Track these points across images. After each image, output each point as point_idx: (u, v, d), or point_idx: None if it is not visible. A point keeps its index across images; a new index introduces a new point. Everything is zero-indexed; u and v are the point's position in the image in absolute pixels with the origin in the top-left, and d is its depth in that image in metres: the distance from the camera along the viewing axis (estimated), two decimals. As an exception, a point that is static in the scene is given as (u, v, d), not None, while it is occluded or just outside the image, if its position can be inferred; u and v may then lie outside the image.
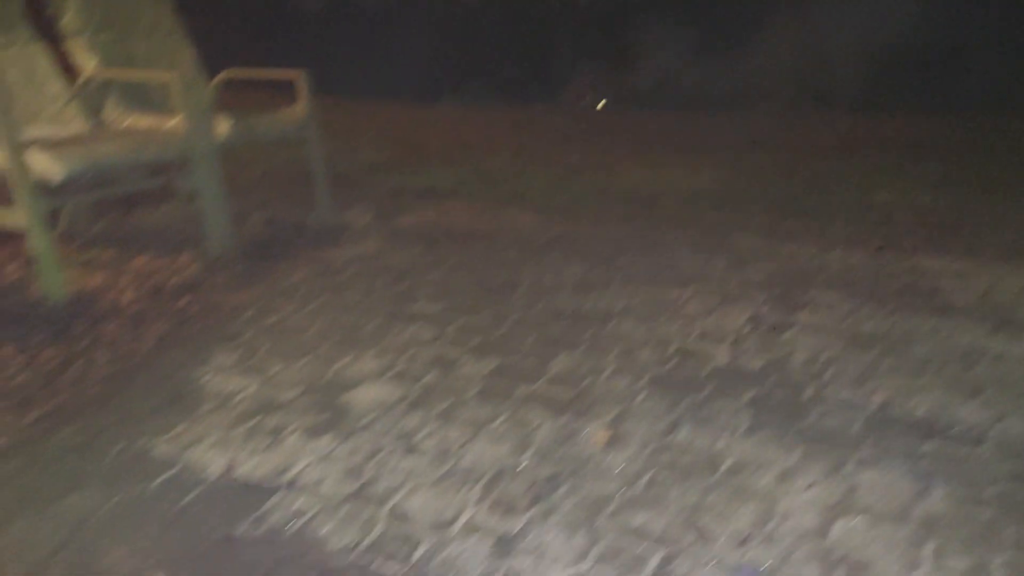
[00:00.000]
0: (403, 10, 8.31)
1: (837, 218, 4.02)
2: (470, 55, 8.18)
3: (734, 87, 7.00)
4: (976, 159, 5.27)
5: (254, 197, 4.46)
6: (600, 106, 7.70)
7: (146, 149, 3.18)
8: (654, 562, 1.63)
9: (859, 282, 3.13)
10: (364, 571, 1.66)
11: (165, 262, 3.41)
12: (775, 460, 1.96)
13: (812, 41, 6.77)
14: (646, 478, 1.92)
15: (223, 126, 3.50)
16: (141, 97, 3.74)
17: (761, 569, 1.58)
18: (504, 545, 1.71)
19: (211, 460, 2.06)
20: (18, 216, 2.81)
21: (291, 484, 1.95)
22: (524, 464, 2.00)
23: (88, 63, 3.63)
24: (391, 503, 1.87)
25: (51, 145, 2.91)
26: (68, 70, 3.65)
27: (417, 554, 1.70)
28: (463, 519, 1.80)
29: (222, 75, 3.81)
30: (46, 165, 2.81)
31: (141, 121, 3.63)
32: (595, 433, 2.13)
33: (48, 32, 3.67)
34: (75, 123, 3.49)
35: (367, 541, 1.74)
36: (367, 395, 2.37)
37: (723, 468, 1.94)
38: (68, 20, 3.67)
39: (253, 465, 2.03)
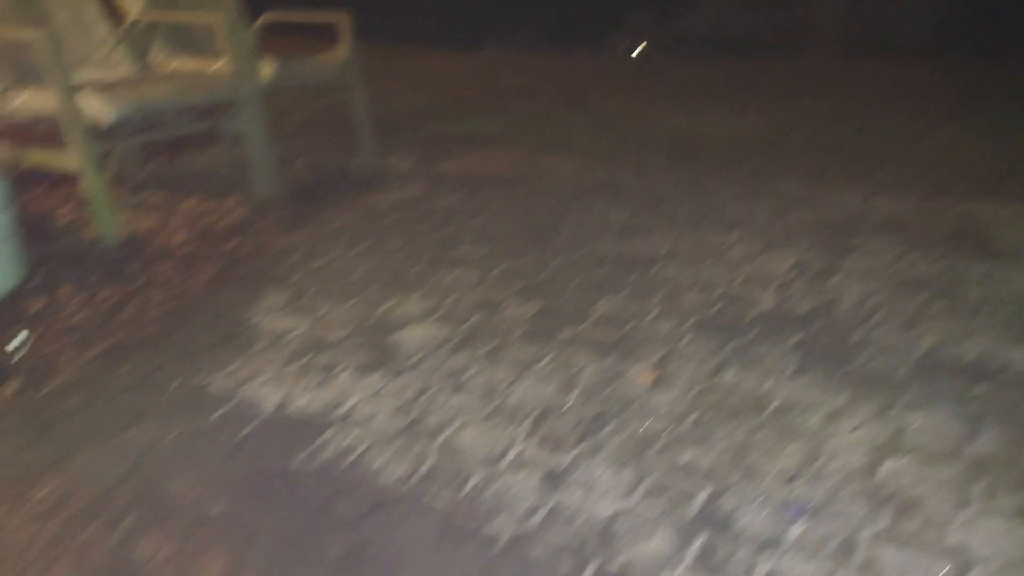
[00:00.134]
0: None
1: (885, 164, 3.95)
2: (513, 2, 8.07)
3: (782, 33, 6.84)
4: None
5: (297, 143, 4.49)
6: (639, 51, 7.58)
7: (193, 91, 3.21)
8: (702, 497, 1.66)
9: (907, 228, 3.09)
10: (417, 502, 1.71)
11: (213, 205, 3.46)
12: (822, 402, 1.97)
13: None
14: (692, 417, 1.93)
15: (267, 69, 3.51)
16: (186, 40, 3.76)
17: (809, 505, 1.60)
18: (553, 479, 1.74)
19: (266, 396, 2.11)
20: (71, 159, 2.86)
21: (344, 419, 2.00)
22: (570, 403, 2.03)
23: (134, 6, 3.65)
24: (441, 438, 1.91)
25: (101, 88, 2.94)
26: (114, 13, 3.67)
27: (468, 486, 1.74)
28: (512, 454, 1.84)
29: (264, 17, 3.81)
30: (97, 108, 2.85)
31: (186, 64, 3.66)
32: (641, 374, 2.14)
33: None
34: (122, 67, 3.52)
35: (419, 474, 1.79)
36: (414, 335, 2.40)
37: (770, 409, 1.95)
38: (113, -37, 3.68)
39: (306, 401, 2.08)
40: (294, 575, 1.53)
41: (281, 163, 3.71)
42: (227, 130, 3.57)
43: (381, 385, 2.14)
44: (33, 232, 2.79)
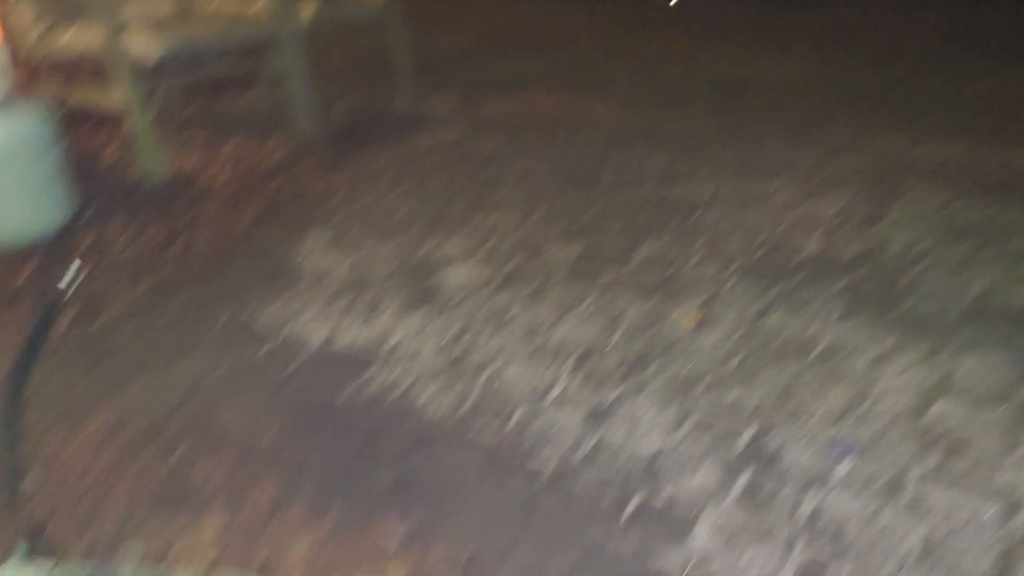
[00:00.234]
0: None
1: (931, 111, 3.85)
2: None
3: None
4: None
5: (337, 84, 4.47)
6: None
7: (236, 30, 3.21)
8: (747, 435, 1.66)
9: (955, 175, 3.02)
10: (462, 437, 1.73)
11: (255, 146, 3.47)
12: (869, 345, 1.95)
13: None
14: (737, 359, 1.93)
15: (308, 9, 3.49)
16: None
17: (856, 445, 1.60)
18: (597, 416, 1.76)
19: (312, 332, 2.14)
20: (117, 97, 2.88)
21: (389, 356, 2.03)
22: (613, 343, 2.03)
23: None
24: (485, 375, 1.93)
25: (146, 26, 2.95)
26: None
27: (512, 422, 1.76)
28: (556, 391, 1.85)
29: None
30: (143, 45, 2.86)
31: (227, 4, 3.65)
32: (684, 316, 2.14)
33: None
34: (164, 4, 3.52)
35: (464, 409, 1.81)
36: (456, 275, 2.42)
37: (816, 351, 1.94)
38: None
39: (351, 338, 2.11)
40: (342, 505, 1.56)
41: (321, 105, 3.70)
42: (268, 71, 3.57)
43: (425, 323, 2.16)
44: (80, 170, 2.82)
